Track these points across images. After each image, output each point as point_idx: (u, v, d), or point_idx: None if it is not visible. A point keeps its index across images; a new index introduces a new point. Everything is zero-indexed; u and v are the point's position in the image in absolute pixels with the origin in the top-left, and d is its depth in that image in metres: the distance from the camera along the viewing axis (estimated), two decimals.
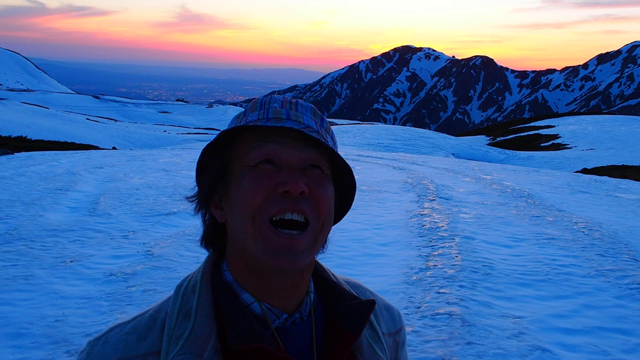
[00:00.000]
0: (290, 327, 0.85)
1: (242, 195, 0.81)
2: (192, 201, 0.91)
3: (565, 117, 53.82)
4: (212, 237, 0.91)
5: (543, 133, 40.52)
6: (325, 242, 0.89)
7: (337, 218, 0.94)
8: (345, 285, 0.96)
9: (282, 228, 0.80)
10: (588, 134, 37.31)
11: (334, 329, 0.87)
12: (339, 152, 0.85)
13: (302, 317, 0.87)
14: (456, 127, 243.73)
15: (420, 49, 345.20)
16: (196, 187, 0.91)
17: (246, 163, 0.83)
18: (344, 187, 0.92)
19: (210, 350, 0.79)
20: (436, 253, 5.97)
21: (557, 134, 38.68)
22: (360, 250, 6.16)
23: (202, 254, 5.67)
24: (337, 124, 54.11)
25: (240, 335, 0.78)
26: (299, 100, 0.90)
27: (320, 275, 0.94)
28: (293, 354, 0.83)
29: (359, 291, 0.99)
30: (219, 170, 0.86)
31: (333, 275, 0.96)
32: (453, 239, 6.58)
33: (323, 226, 0.84)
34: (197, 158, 0.89)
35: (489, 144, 38.98)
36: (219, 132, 0.90)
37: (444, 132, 50.79)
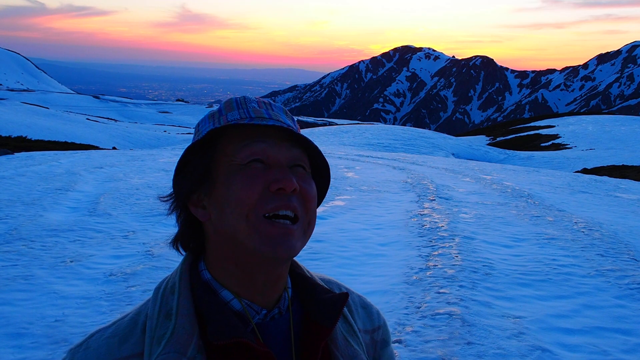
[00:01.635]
0: (270, 323, 0.87)
1: (235, 195, 0.82)
2: (165, 201, 0.91)
3: (565, 117, 53.81)
4: (188, 237, 0.93)
5: (543, 133, 40.51)
6: (311, 235, 0.91)
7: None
8: (320, 281, 0.97)
9: (277, 220, 0.82)
10: (588, 134, 37.30)
11: (309, 323, 0.89)
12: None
13: (281, 312, 0.89)
14: (456, 127, 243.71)
15: (420, 49, 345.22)
16: (171, 188, 0.91)
17: (236, 162, 0.83)
18: (319, 181, 0.95)
19: (193, 348, 0.79)
20: (436, 253, 5.97)
21: (557, 134, 38.68)
22: (360, 250, 6.15)
23: None
24: (337, 124, 54.11)
25: (220, 331, 0.79)
26: (270, 100, 0.92)
27: (295, 271, 0.96)
28: (273, 349, 0.85)
29: (334, 287, 1.00)
30: (202, 168, 0.86)
31: (307, 271, 0.98)
32: (453, 239, 6.58)
33: (310, 222, 0.87)
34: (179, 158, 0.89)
35: (489, 144, 38.98)
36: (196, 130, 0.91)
37: (444, 132, 50.78)
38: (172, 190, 0.91)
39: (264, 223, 0.81)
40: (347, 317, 0.95)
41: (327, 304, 0.89)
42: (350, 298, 1.00)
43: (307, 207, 0.85)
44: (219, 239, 0.86)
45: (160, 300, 0.85)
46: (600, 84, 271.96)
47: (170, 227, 6.98)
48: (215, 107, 0.92)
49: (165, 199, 0.91)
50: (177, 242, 0.94)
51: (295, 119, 0.93)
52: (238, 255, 0.84)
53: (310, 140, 0.85)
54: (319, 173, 0.94)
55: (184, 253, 0.94)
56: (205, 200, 0.87)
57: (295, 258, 0.91)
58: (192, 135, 0.92)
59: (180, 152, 18.22)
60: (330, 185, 0.96)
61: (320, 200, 0.96)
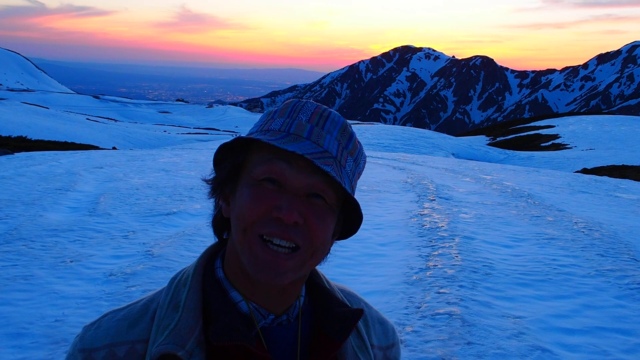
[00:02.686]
0: (276, 328, 0.86)
1: (240, 208, 0.82)
2: (208, 183, 0.91)
3: (565, 117, 53.82)
4: (219, 224, 0.93)
5: (543, 133, 40.51)
6: (318, 262, 0.87)
7: (339, 238, 0.93)
8: (339, 293, 0.96)
9: (272, 244, 0.80)
10: (588, 134, 37.31)
11: (319, 334, 0.88)
12: (359, 178, 0.84)
13: (289, 319, 0.88)
14: (456, 127, 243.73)
15: (420, 49, 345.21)
16: (212, 173, 0.91)
17: (253, 175, 0.82)
18: (350, 216, 0.89)
19: (193, 342, 0.80)
20: (436, 253, 5.97)
21: (557, 134, 38.68)
22: (360, 250, 6.15)
23: None
24: None
25: (221, 332, 0.79)
26: (332, 112, 0.86)
27: (313, 281, 0.95)
28: (276, 355, 0.84)
29: (352, 300, 0.99)
30: (231, 170, 0.87)
31: (327, 281, 0.97)
32: (453, 239, 6.57)
33: (314, 254, 0.83)
34: (205, 157, 0.88)
35: (489, 144, 38.98)
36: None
37: (444, 132, 50.79)
38: (214, 175, 0.91)
39: (257, 243, 0.80)
40: (362, 332, 0.94)
41: (340, 317, 0.88)
42: (368, 313, 0.99)
43: (312, 241, 0.81)
44: (232, 239, 0.87)
45: (173, 291, 0.86)
46: (600, 84, 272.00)
47: (170, 227, 6.98)
48: (278, 105, 0.89)
49: (209, 181, 0.91)
50: (212, 224, 0.94)
51: (355, 136, 0.87)
52: (240, 262, 0.85)
53: (332, 175, 0.77)
54: (351, 207, 0.87)
55: (216, 238, 0.95)
56: (230, 197, 0.87)
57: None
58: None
59: (180, 152, 18.21)
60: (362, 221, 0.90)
61: (348, 234, 0.93)
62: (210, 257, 0.92)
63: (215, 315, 0.82)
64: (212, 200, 0.92)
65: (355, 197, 0.84)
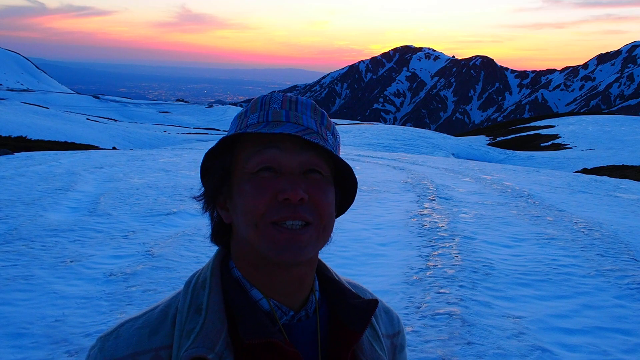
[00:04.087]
0: (297, 324, 0.88)
1: (245, 204, 0.83)
2: (199, 200, 0.92)
3: (565, 117, 53.82)
4: (219, 234, 0.93)
5: (543, 133, 40.51)
6: (329, 237, 0.90)
7: (338, 213, 0.95)
8: (347, 284, 0.98)
9: (285, 225, 0.82)
10: (588, 134, 37.31)
11: (338, 327, 0.90)
12: (340, 152, 0.85)
13: (308, 314, 0.90)
14: (456, 127, 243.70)
15: (420, 49, 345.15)
16: (202, 187, 0.92)
17: (247, 170, 0.84)
18: (345, 185, 0.93)
19: (221, 344, 0.81)
20: (436, 253, 5.97)
21: (557, 134, 38.68)
22: (360, 250, 6.15)
23: (202, 254, 5.67)
24: (337, 124, 54.13)
25: (252, 330, 0.81)
26: (299, 97, 0.90)
27: (324, 274, 0.96)
28: (299, 350, 0.86)
29: (360, 291, 1.01)
30: (221, 174, 0.88)
31: (336, 274, 0.98)
32: (453, 239, 6.58)
33: (325, 227, 0.86)
34: (201, 160, 0.90)
35: (489, 144, 38.98)
36: (219, 134, 0.88)
37: (444, 132, 50.78)
38: (203, 190, 0.92)
39: (271, 228, 0.82)
40: (373, 322, 0.96)
41: (357, 309, 0.89)
42: None
43: (320, 215, 0.84)
44: (240, 240, 0.87)
45: (191, 294, 0.86)
46: (600, 84, 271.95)
47: (170, 227, 6.99)
48: (244, 106, 0.92)
49: (199, 198, 0.92)
50: (212, 238, 0.95)
51: (326, 114, 0.92)
52: (255, 258, 0.86)
53: (322, 145, 0.82)
54: (343, 175, 0.90)
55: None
56: (228, 203, 0.89)
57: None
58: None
59: (180, 152, 18.21)
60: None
61: (348, 205, 0.96)
62: (223, 259, 0.93)
63: (239, 314, 0.84)
64: (207, 214, 0.92)
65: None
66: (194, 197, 0.93)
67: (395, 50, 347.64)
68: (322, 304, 0.92)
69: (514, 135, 42.56)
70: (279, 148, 0.83)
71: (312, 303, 0.91)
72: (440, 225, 7.33)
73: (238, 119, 0.90)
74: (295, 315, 0.88)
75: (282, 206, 0.81)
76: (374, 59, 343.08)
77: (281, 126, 0.83)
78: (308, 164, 0.84)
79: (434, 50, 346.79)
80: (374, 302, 0.90)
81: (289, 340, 0.86)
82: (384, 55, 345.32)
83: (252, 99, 0.92)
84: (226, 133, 0.92)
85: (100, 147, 26.56)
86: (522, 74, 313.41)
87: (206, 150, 0.89)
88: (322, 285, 0.95)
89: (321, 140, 0.84)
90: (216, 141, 0.88)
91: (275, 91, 0.93)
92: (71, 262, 5.37)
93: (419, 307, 4.36)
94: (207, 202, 0.91)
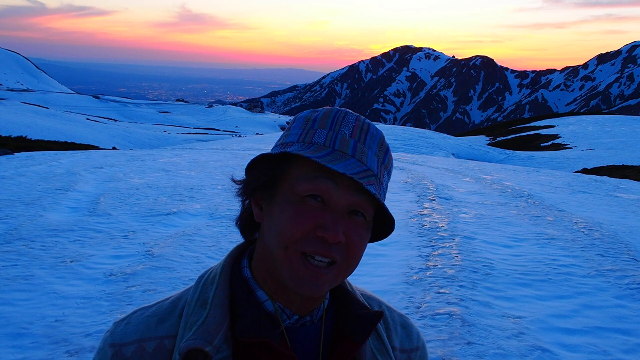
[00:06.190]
0: (300, 328, 0.89)
1: (282, 225, 0.82)
2: (238, 184, 0.92)
3: (565, 117, 53.85)
4: (245, 223, 0.94)
5: (543, 133, 40.53)
6: (351, 273, 0.90)
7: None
8: (360, 296, 0.98)
9: (314, 259, 0.82)
10: (588, 134, 37.33)
11: (340, 335, 0.90)
12: (385, 196, 0.86)
13: (313, 320, 0.90)
14: (456, 127, 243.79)
15: (420, 49, 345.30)
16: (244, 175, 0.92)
17: (296, 190, 0.83)
18: (379, 227, 0.92)
19: (220, 338, 0.83)
20: (436, 253, 5.97)
21: (557, 134, 38.70)
22: None
23: (202, 254, 5.67)
24: None
25: (248, 328, 0.82)
26: (370, 125, 0.88)
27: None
28: (299, 354, 0.87)
29: (373, 303, 1.01)
30: (268, 180, 0.86)
31: (349, 284, 0.98)
32: (453, 239, 6.58)
33: (348, 268, 0.86)
34: (250, 160, 0.88)
35: (489, 144, 38.99)
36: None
37: (444, 132, 50.80)
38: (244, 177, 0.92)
39: (299, 259, 0.82)
40: (381, 334, 0.96)
41: (360, 319, 0.90)
42: (389, 316, 1.01)
43: (349, 256, 0.84)
44: (265, 248, 0.87)
45: (201, 289, 0.89)
46: (600, 84, 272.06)
47: (170, 227, 6.98)
48: (315, 112, 0.89)
49: (239, 183, 0.92)
50: (237, 223, 0.96)
51: (390, 150, 0.90)
52: (274, 269, 0.86)
53: (377, 198, 0.81)
54: (382, 220, 0.90)
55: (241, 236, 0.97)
56: (264, 204, 0.89)
57: None
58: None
59: (180, 152, 18.20)
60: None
61: (375, 240, 0.95)
62: (237, 257, 0.95)
63: (241, 312, 0.86)
64: (239, 199, 0.93)
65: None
66: (233, 180, 0.93)
67: (395, 50, 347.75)
68: (329, 312, 0.93)
69: (514, 135, 42.57)
70: (335, 182, 0.82)
71: (320, 310, 0.91)
72: (440, 225, 7.33)
73: (304, 123, 0.87)
74: (299, 319, 0.89)
75: (317, 241, 0.81)
76: (374, 59, 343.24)
77: (345, 160, 0.81)
78: (356, 205, 0.83)
79: (434, 50, 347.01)
80: (379, 314, 0.90)
81: (291, 343, 0.86)
82: (384, 55, 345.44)
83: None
84: (286, 129, 0.90)
85: (100, 147, 26.56)
86: (522, 74, 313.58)
87: (262, 153, 0.88)
88: (332, 293, 0.95)
89: (377, 185, 0.83)
90: (275, 150, 0.87)
91: (348, 110, 0.89)
92: (71, 262, 5.37)
93: (419, 307, 4.36)
94: (243, 193, 0.91)
